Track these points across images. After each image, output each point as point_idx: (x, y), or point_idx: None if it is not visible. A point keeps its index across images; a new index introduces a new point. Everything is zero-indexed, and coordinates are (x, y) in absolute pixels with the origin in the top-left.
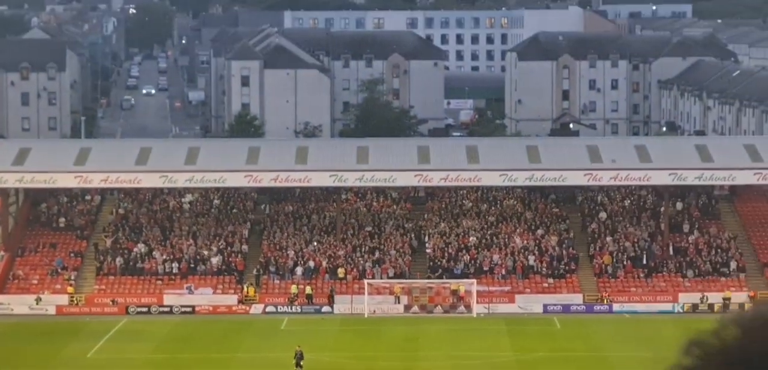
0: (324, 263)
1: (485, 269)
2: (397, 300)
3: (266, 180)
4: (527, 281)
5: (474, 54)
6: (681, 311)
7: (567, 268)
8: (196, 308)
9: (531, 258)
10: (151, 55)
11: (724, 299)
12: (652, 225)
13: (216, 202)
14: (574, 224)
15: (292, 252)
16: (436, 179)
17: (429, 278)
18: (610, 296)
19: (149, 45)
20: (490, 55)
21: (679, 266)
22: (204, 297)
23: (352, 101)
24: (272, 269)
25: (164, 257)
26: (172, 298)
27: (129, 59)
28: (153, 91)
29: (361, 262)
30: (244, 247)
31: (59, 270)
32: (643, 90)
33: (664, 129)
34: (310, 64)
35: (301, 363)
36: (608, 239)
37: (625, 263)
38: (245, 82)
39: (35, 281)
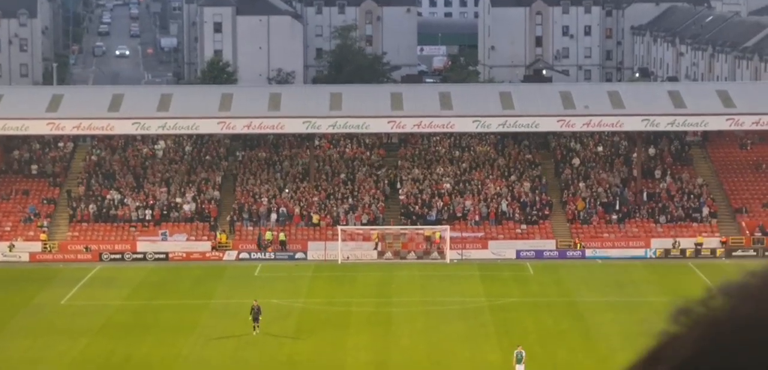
0: (297, 210)
1: (458, 215)
2: (376, 245)
3: (239, 127)
4: (500, 227)
5: (447, 0)
6: (653, 256)
7: (540, 214)
8: (170, 255)
9: (504, 204)
10: (123, 2)
11: (696, 244)
12: (625, 171)
13: (189, 149)
14: (547, 169)
15: (266, 199)
16: (409, 126)
17: (402, 224)
18: (582, 242)
19: None
20: (463, 1)
21: (651, 212)
22: (177, 244)
23: (325, 48)
24: (245, 215)
25: (137, 204)
26: (145, 245)
27: (101, 6)
28: (127, 53)
29: (335, 208)
30: (217, 194)
31: (32, 217)
32: (616, 36)
33: (637, 75)
34: (282, 11)
35: (259, 318)
36: (581, 184)
37: (597, 208)
38: (218, 28)
39: (8, 228)
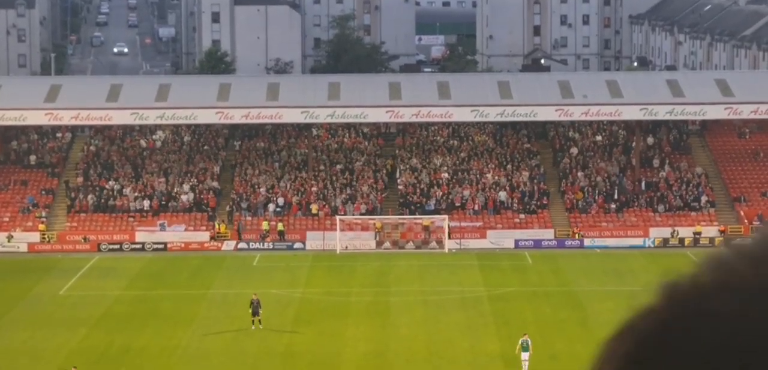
0: (296, 200)
1: (457, 204)
2: (378, 235)
3: (237, 117)
4: (499, 217)
5: None
6: (652, 245)
7: (538, 203)
8: (168, 245)
9: (502, 194)
10: None
11: (695, 233)
12: (624, 160)
13: (187, 139)
14: (545, 159)
15: (264, 189)
16: (407, 115)
17: (401, 213)
18: (581, 231)
19: None
20: None
21: (650, 201)
22: (176, 234)
23: (323, 37)
24: (244, 205)
25: (136, 194)
26: (144, 235)
27: None
28: (125, 49)
29: (333, 198)
30: (216, 184)
31: (31, 207)
32: (615, 25)
33: (636, 64)
34: (280, 0)
35: (259, 312)
36: (579, 174)
37: (596, 197)
38: (216, 18)
39: (6, 219)
